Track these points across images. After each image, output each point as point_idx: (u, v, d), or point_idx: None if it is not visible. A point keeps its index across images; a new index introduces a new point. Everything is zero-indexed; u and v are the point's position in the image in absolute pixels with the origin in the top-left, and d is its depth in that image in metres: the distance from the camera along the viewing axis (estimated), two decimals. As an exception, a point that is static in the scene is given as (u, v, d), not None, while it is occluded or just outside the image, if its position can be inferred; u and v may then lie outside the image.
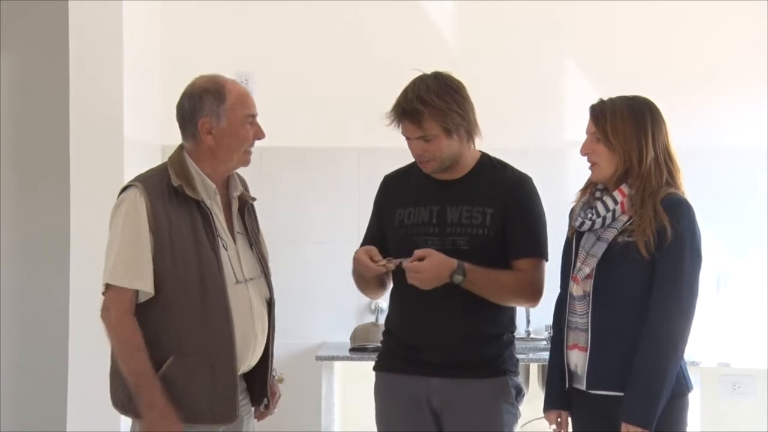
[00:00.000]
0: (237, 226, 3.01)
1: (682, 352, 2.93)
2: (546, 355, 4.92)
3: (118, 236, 2.82)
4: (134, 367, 2.79)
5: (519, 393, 3.17)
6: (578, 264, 2.99)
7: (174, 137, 3.01)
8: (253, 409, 3.09)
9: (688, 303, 2.90)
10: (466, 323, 3.09)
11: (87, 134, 3.81)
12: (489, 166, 3.18)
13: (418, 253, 3.00)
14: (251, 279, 2.96)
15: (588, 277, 2.96)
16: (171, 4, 5.12)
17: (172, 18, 5.15)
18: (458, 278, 3.01)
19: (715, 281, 4.70)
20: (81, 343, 3.83)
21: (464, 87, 3.09)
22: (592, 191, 3.06)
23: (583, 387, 2.99)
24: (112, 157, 4.06)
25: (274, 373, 3.13)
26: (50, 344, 3.77)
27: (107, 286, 2.82)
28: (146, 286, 2.80)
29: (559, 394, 3.07)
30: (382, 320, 4.74)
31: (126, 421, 3.04)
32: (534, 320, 4.88)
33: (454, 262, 3.01)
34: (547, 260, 3.16)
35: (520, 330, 4.70)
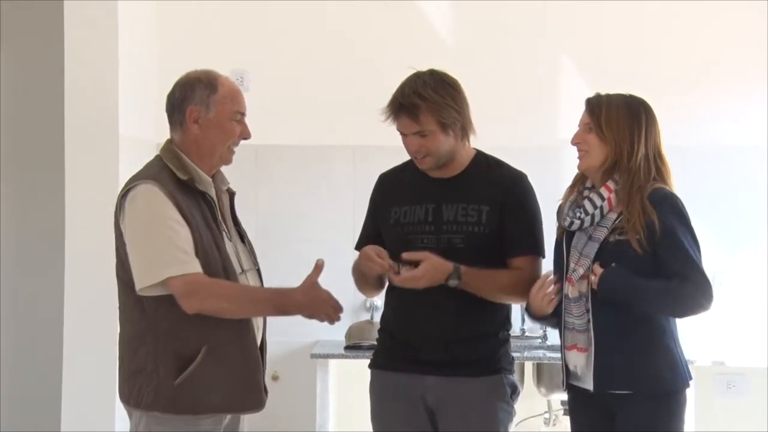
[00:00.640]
0: (228, 218, 3.00)
1: (669, 312, 2.93)
2: (541, 353, 4.95)
3: (156, 229, 2.73)
4: (261, 297, 2.85)
5: (514, 391, 3.17)
6: (572, 265, 2.99)
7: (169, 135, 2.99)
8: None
9: (707, 287, 2.89)
10: (462, 322, 3.09)
11: (82, 132, 3.80)
12: (484, 163, 3.18)
13: (414, 256, 3.00)
14: (249, 270, 2.95)
15: (583, 277, 2.95)
16: (166, 3, 5.12)
17: (168, 16, 5.16)
18: (453, 282, 3.01)
19: (711, 280, 4.71)
20: (75, 343, 3.82)
21: (459, 84, 3.09)
22: (579, 189, 3.06)
23: (583, 386, 2.99)
24: (108, 155, 4.05)
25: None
26: (44, 344, 3.76)
27: (172, 279, 2.71)
28: (200, 267, 2.76)
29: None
30: (377, 318, 4.74)
31: (122, 420, 3.02)
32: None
33: (449, 265, 3.00)
34: (543, 257, 3.16)
35: (515, 328, 4.70)
